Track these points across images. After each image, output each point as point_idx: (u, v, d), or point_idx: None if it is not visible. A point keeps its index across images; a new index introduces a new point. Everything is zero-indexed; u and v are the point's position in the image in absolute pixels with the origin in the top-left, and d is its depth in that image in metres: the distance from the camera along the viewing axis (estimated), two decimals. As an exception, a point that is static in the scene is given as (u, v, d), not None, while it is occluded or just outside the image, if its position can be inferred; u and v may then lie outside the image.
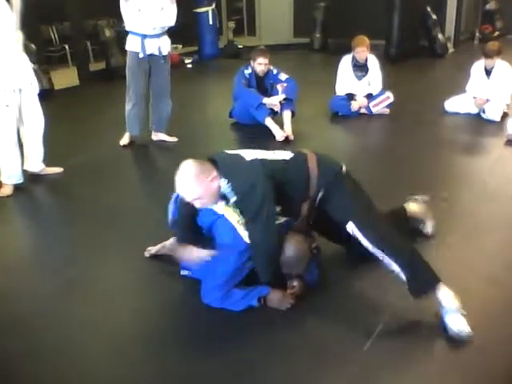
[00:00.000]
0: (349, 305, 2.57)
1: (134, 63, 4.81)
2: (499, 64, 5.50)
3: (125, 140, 5.13)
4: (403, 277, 2.39)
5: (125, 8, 4.65)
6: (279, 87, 5.33)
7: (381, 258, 2.43)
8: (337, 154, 4.00)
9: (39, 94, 4.12)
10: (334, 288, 2.70)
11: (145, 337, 2.42)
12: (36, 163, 4.25)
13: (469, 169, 4.45)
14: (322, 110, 6.03)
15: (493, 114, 5.43)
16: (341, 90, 5.89)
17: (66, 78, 7.93)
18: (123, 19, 4.74)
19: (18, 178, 4.06)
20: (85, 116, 6.29)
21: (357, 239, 2.47)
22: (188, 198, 2.43)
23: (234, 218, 2.46)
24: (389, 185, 3.90)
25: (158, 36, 4.76)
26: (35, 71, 4.12)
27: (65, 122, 5.95)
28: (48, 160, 4.34)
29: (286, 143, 4.93)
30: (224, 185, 2.43)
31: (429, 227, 3.13)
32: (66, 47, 8.87)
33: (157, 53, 4.80)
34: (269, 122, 5.17)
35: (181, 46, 10.17)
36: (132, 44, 4.78)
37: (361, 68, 5.82)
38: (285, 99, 5.25)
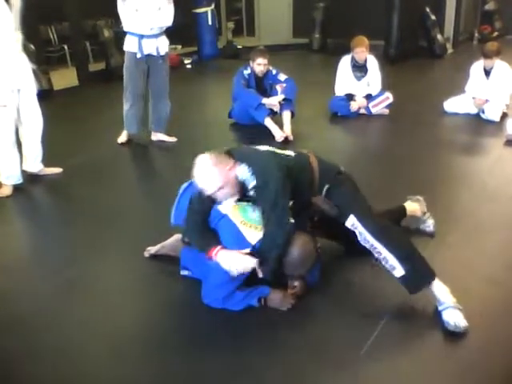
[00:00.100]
0: (348, 304, 2.57)
1: (132, 63, 4.81)
2: (498, 64, 5.51)
3: (122, 138, 5.16)
4: (400, 272, 2.40)
5: (122, 8, 4.64)
6: (278, 87, 5.33)
7: (379, 254, 2.43)
8: (336, 154, 4.02)
9: (38, 95, 4.12)
10: (333, 288, 2.70)
11: (145, 337, 2.42)
12: (35, 163, 4.25)
13: (468, 169, 4.46)
14: (321, 110, 6.03)
15: (492, 114, 5.44)
16: (340, 90, 5.89)
17: (65, 78, 7.92)
18: (120, 19, 4.74)
19: (17, 179, 4.06)
20: (84, 116, 6.29)
21: (356, 236, 2.48)
22: (210, 190, 2.40)
23: (237, 218, 2.44)
24: (388, 185, 3.90)
25: (155, 36, 4.75)
26: (34, 71, 4.12)
27: (64, 123, 5.94)
28: (47, 160, 4.33)
29: (285, 144, 4.93)
30: (244, 170, 2.42)
31: (430, 226, 3.14)
32: (65, 47, 8.85)
33: (155, 53, 4.79)
34: (268, 122, 5.17)
35: (180, 47, 10.17)
36: (129, 44, 4.78)
37: (360, 68, 5.83)
38: (284, 99, 5.25)
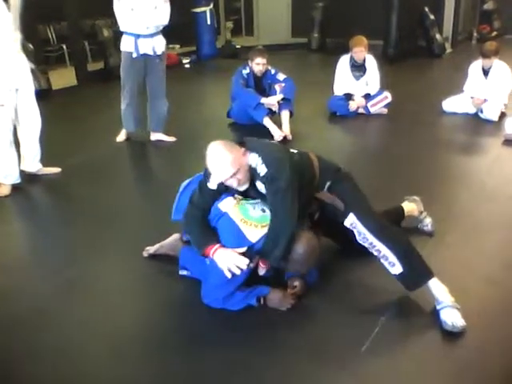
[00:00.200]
0: (348, 304, 2.57)
1: (128, 63, 4.82)
2: (497, 64, 5.52)
3: (121, 137, 5.19)
4: (398, 269, 2.41)
5: (118, 7, 4.65)
6: (277, 87, 5.33)
7: (378, 252, 2.45)
8: (335, 153, 4.02)
9: (37, 94, 4.12)
10: (332, 287, 2.70)
11: (145, 337, 2.42)
12: (33, 163, 4.25)
13: (467, 169, 4.46)
14: (320, 109, 6.04)
15: (491, 113, 5.45)
16: (339, 89, 5.90)
17: (63, 77, 7.91)
18: (116, 19, 4.74)
19: (16, 178, 4.05)
20: (83, 116, 6.29)
21: (354, 234, 2.49)
22: (225, 175, 2.38)
23: (237, 216, 2.44)
24: (387, 185, 3.91)
25: (151, 36, 4.75)
26: (33, 71, 4.12)
27: (63, 122, 5.95)
28: (46, 160, 4.33)
29: (284, 143, 4.93)
30: (255, 158, 2.41)
31: (428, 225, 3.15)
32: (64, 47, 8.85)
33: (151, 53, 4.79)
34: (267, 121, 5.18)
35: (178, 46, 10.18)
36: (126, 44, 4.78)
37: (359, 68, 5.83)
38: (283, 99, 5.25)
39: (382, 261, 2.46)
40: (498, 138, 4.92)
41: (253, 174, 2.44)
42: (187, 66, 9.50)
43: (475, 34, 11.05)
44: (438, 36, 9.52)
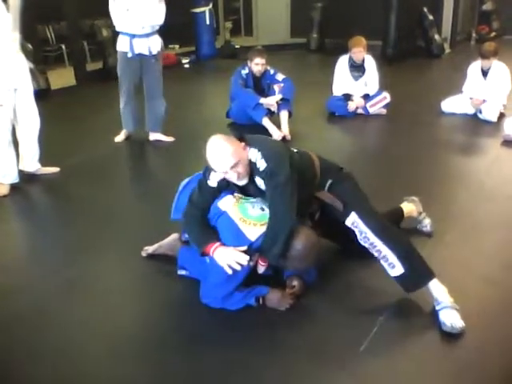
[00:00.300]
0: (347, 304, 2.58)
1: (124, 63, 4.83)
2: (496, 65, 5.52)
3: (120, 137, 5.21)
4: (399, 270, 2.41)
5: (113, 7, 4.65)
6: (276, 87, 5.33)
7: (378, 252, 2.44)
8: (334, 154, 4.01)
9: (36, 94, 4.12)
10: (331, 287, 2.70)
11: (144, 336, 2.42)
12: (32, 163, 4.24)
13: (466, 169, 4.47)
14: (318, 110, 6.04)
15: (489, 114, 5.45)
16: (338, 90, 5.90)
17: (62, 77, 7.91)
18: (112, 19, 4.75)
19: (14, 178, 4.05)
20: (81, 116, 6.28)
21: (355, 234, 2.49)
22: (225, 167, 2.37)
23: (236, 215, 2.44)
24: (386, 185, 3.91)
25: (147, 36, 4.74)
26: (32, 71, 4.12)
27: (61, 122, 5.94)
28: (45, 160, 4.33)
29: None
30: (255, 152, 2.41)
31: (427, 226, 3.15)
32: (63, 47, 8.84)
33: (146, 52, 4.79)
34: (266, 122, 5.18)
35: (178, 46, 10.16)
36: (121, 44, 4.79)
37: (358, 68, 5.84)
38: (282, 99, 5.25)
39: (381, 262, 2.46)
40: (496, 138, 4.93)
41: (252, 169, 2.43)
42: (186, 66, 9.49)
43: (474, 35, 11.06)
44: (436, 36, 9.54)
